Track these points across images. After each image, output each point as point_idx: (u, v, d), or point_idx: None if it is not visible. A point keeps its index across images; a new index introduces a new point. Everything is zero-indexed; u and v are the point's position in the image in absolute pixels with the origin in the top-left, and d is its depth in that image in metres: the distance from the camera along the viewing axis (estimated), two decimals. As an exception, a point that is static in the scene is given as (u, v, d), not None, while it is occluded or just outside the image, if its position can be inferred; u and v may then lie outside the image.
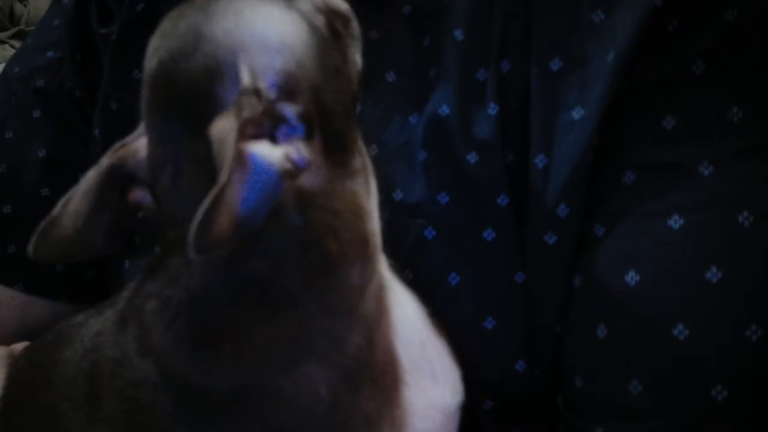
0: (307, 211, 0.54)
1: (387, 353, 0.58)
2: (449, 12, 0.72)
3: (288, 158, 0.51)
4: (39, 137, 0.90)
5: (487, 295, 0.68)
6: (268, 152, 0.50)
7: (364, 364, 0.57)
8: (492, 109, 0.69)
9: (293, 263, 0.55)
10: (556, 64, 0.67)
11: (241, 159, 0.48)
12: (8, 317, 0.89)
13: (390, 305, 0.60)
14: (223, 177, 0.47)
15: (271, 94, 0.52)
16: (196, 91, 0.54)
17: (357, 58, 0.61)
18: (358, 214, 0.57)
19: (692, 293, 0.61)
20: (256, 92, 0.51)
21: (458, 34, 0.71)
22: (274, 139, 0.51)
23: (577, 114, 0.65)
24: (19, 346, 0.80)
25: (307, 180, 0.53)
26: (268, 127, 0.51)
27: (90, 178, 0.59)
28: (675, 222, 0.62)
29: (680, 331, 0.60)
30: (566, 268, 0.66)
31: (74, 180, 0.90)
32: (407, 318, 0.61)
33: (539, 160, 0.67)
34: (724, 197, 0.62)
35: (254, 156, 0.49)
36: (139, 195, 0.59)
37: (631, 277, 0.63)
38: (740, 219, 0.61)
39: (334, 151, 0.55)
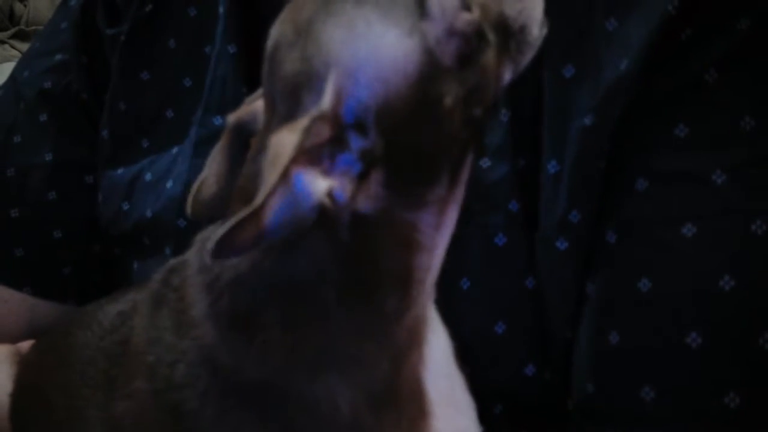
0: (356, 231, 0.53)
1: (414, 384, 0.57)
2: None
3: (330, 193, 0.50)
4: (46, 141, 0.90)
5: (498, 300, 0.69)
6: (312, 183, 0.49)
7: (390, 390, 0.56)
8: (504, 115, 0.69)
9: (332, 276, 0.54)
10: (569, 71, 0.67)
11: (285, 181, 0.48)
12: (17, 320, 0.89)
13: (424, 339, 0.58)
14: (259, 198, 0.47)
15: (346, 121, 0.51)
16: (288, 83, 0.53)
17: (507, 72, 0.56)
18: (409, 246, 0.55)
19: (705, 301, 0.61)
20: (332, 117, 0.50)
21: None
22: (328, 163, 0.50)
23: (589, 120, 0.65)
24: (26, 345, 0.81)
25: (361, 204, 0.52)
26: (327, 151, 0.50)
27: (222, 137, 0.60)
28: (688, 230, 0.62)
29: (693, 339, 0.60)
30: (577, 274, 0.66)
31: (81, 183, 0.91)
32: (438, 351, 0.60)
33: (551, 166, 0.67)
34: (737, 206, 0.62)
35: (299, 181, 0.49)
36: None
37: (644, 284, 0.63)
38: (753, 227, 0.61)
39: (402, 183, 0.53)
